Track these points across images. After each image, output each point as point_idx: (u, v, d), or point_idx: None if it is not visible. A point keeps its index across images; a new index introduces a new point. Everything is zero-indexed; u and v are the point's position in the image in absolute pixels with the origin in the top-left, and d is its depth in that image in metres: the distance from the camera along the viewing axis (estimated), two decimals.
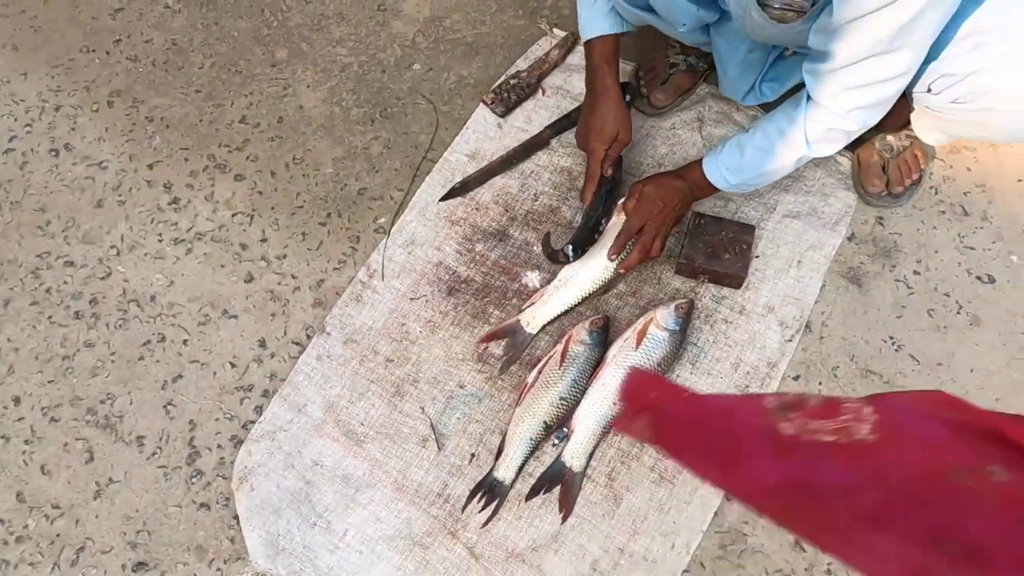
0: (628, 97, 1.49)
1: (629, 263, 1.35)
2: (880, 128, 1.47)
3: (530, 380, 1.32)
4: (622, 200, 1.41)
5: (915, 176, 1.49)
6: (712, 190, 1.35)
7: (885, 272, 1.44)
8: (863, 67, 1.05)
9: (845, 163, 1.54)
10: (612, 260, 1.36)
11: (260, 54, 1.74)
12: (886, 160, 1.49)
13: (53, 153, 1.63)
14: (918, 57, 1.04)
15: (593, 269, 1.39)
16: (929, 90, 1.14)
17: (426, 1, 1.80)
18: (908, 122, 1.49)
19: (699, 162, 1.34)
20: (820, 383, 1.35)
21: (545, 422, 1.28)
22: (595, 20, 1.34)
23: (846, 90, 1.10)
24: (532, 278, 1.44)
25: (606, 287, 1.40)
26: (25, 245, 1.53)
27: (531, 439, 1.28)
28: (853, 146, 1.54)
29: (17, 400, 1.39)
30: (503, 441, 1.29)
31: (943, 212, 1.49)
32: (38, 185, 1.59)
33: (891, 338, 1.38)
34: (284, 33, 1.77)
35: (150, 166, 1.61)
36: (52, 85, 1.71)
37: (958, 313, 1.40)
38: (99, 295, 1.48)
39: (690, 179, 1.35)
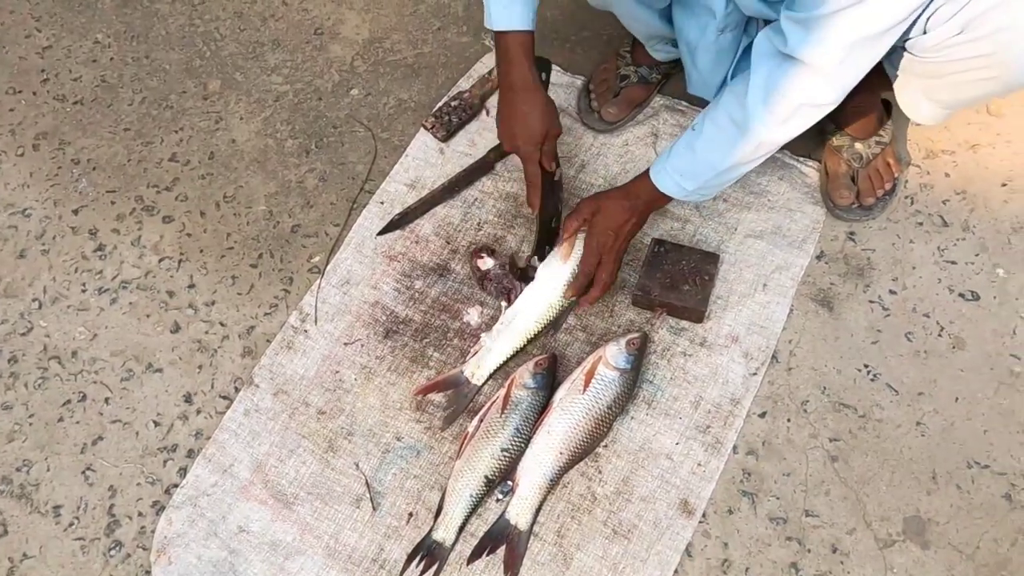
0: (544, 76, 1.32)
1: (589, 299, 1.26)
2: (848, 135, 1.37)
3: (471, 429, 1.22)
4: (565, 218, 1.28)
5: (888, 185, 1.37)
6: (667, 200, 1.23)
7: (858, 293, 1.32)
8: None
9: (812, 174, 1.43)
10: (567, 299, 1.27)
11: (192, 87, 1.65)
12: (855, 170, 1.37)
13: None
14: None
15: (537, 306, 1.28)
16: (925, 32, 0.99)
17: (365, 22, 1.70)
18: (878, 129, 1.38)
19: (647, 174, 1.22)
20: (789, 420, 1.23)
21: (486, 476, 1.18)
22: (510, 9, 1.15)
23: (839, 28, 0.95)
24: (473, 315, 1.34)
25: (555, 323, 1.30)
26: None
27: (471, 495, 1.17)
28: (819, 156, 1.43)
29: None
30: (442, 498, 1.18)
31: (920, 224, 1.37)
32: None
33: (866, 366, 1.26)
34: (217, 63, 1.68)
35: (75, 211, 1.52)
36: None
37: (939, 335, 1.27)
38: (19, 352, 1.39)
39: (640, 195, 1.23)
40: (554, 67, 1.57)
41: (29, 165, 1.59)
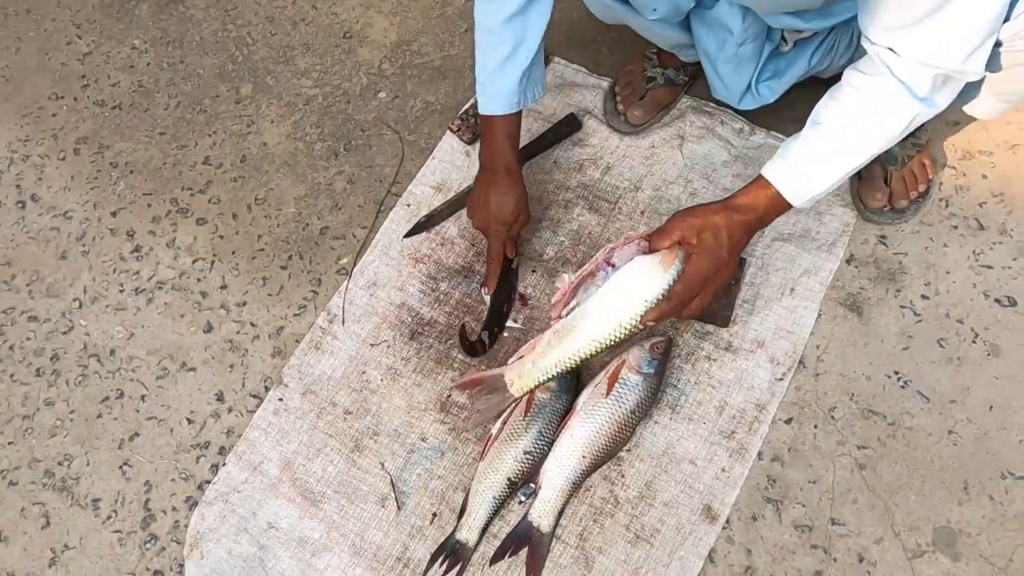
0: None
1: (659, 318, 1.08)
2: None
3: (494, 431, 1.23)
4: (643, 231, 1.13)
5: (922, 187, 1.34)
6: (786, 208, 1.06)
7: (889, 298, 1.29)
8: None
9: None
10: (644, 324, 1.08)
11: (225, 91, 1.69)
12: (888, 171, 1.34)
13: (19, 205, 1.61)
14: None
15: (605, 325, 1.08)
16: (1008, 19, 0.91)
17: (393, 25, 1.72)
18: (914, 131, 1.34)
19: (759, 183, 1.05)
20: (816, 426, 1.22)
21: (509, 478, 1.19)
22: (495, 99, 1.19)
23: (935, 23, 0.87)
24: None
25: (619, 344, 1.12)
26: None
27: (494, 497, 1.18)
28: None
29: None
30: (466, 499, 1.20)
31: (955, 227, 1.34)
32: (4, 238, 1.57)
33: (896, 373, 1.24)
34: (249, 68, 1.71)
35: (113, 214, 1.57)
36: (21, 135, 1.69)
37: (973, 342, 1.24)
38: (60, 350, 1.44)
39: (758, 207, 1.05)
40: (578, 68, 1.57)
41: (71, 169, 1.64)
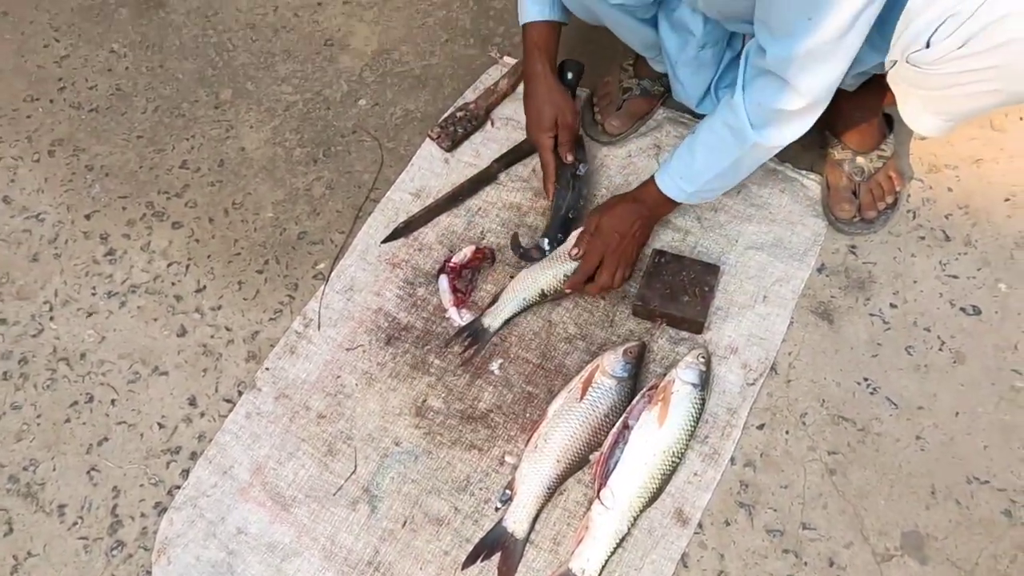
0: (571, 76, 1.44)
1: (578, 290, 1.30)
2: (850, 148, 1.37)
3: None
4: (578, 231, 1.32)
5: (889, 199, 1.38)
6: (672, 206, 1.28)
7: (859, 306, 1.32)
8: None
9: (813, 187, 1.43)
10: (568, 293, 1.31)
11: (204, 95, 1.69)
12: (857, 183, 1.37)
13: None
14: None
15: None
16: (928, 45, 0.99)
17: (375, 34, 1.73)
18: (880, 143, 1.38)
19: (652, 178, 1.26)
20: (787, 432, 1.23)
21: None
22: (532, 3, 1.29)
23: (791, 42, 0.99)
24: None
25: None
26: None
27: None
28: (821, 169, 1.43)
29: None
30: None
31: (922, 238, 1.37)
32: None
33: (866, 379, 1.26)
34: (229, 73, 1.72)
35: (87, 216, 1.56)
36: None
37: (940, 350, 1.27)
38: (29, 354, 1.42)
39: (646, 198, 1.27)
40: None
41: (44, 171, 1.62)
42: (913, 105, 1.15)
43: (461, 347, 1.32)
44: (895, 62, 1.06)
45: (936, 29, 0.95)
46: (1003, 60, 0.93)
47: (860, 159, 1.37)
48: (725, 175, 1.21)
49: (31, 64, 1.77)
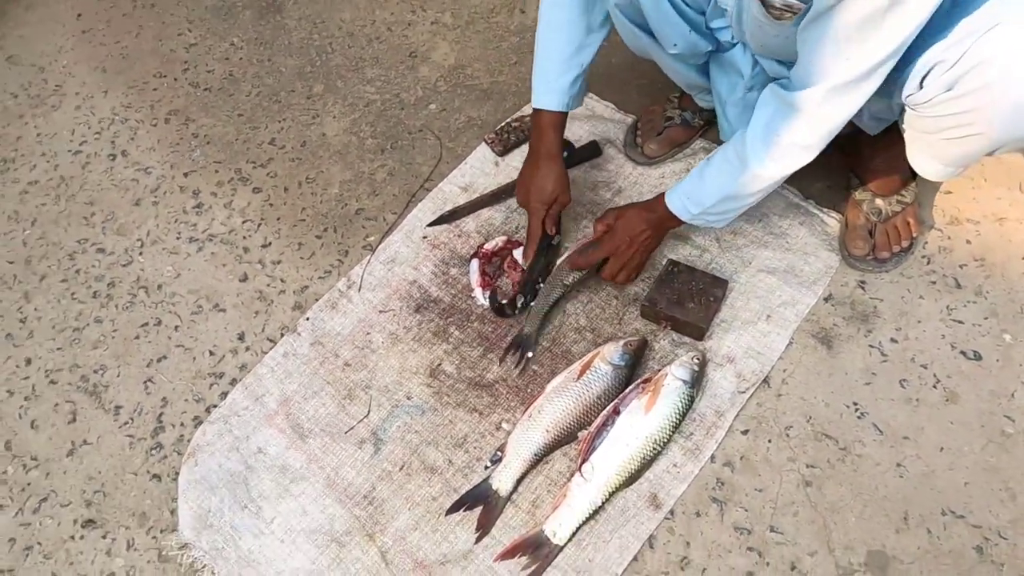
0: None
1: (583, 267, 1.41)
2: (871, 191, 1.45)
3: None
4: (595, 220, 1.42)
5: (904, 243, 1.43)
6: (678, 222, 1.34)
7: (859, 336, 1.37)
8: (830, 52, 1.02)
9: (832, 224, 1.50)
10: (568, 268, 1.42)
11: (300, 87, 1.94)
12: (873, 223, 1.44)
13: (111, 157, 1.86)
14: (886, 56, 1.00)
15: (620, 457, 1.24)
16: (921, 87, 1.07)
17: (453, 51, 1.95)
18: (900, 188, 1.44)
19: (661, 196, 1.34)
20: (770, 440, 1.29)
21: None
22: (550, 94, 1.38)
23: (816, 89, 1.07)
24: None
25: (635, 477, 1.27)
26: (70, 232, 1.74)
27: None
28: (842, 209, 1.51)
29: (28, 361, 1.55)
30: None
31: (933, 283, 1.41)
32: (92, 183, 1.82)
33: (855, 404, 1.30)
34: (324, 71, 1.96)
35: (186, 174, 1.80)
36: (125, 102, 1.97)
37: (934, 387, 1.30)
38: (117, 279, 1.65)
39: (657, 209, 1.35)
40: (608, 104, 1.75)
41: (159, 134, 1.89)
42: (917, 149, 1.21)
43: (514, 360, 1.41)
44: (903, 106, 1.15)
45: (929, 71, 1.04)
46: (981, 103, 1.00)
47: (879, 201, 1.44)
48: (728, 202, 1.27)
49: (165, 48, 2.08)
